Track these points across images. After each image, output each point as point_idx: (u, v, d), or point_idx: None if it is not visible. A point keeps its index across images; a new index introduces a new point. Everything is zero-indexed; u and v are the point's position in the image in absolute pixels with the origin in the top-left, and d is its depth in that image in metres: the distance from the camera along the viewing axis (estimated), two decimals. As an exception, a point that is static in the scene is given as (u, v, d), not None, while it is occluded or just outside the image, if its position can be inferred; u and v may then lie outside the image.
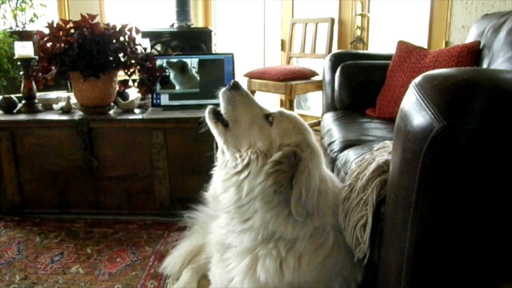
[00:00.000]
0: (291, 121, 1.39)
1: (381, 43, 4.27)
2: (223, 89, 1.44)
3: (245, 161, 1.32)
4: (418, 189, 0.95)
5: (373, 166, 1.31)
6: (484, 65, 2.21)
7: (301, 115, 4.82)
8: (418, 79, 1.00)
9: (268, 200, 1.28)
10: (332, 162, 1.97)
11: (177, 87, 2.55)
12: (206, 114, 1.45)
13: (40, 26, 3.52)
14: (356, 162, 1.51)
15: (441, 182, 0.92)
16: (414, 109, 0.94)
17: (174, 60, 2.56)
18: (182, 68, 2.55)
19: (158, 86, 2.49)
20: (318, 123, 4.14)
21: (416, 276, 1.02)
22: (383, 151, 1.44)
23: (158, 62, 2.50)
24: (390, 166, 1.11)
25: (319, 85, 4.02)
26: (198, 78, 2.55)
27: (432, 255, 0.98)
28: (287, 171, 1.28)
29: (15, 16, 4.01)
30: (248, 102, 1.42)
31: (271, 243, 1.32)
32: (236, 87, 1.43)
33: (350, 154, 1.81)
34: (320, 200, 1.32)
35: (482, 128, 0.86)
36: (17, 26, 4.01)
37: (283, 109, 1.43)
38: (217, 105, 1.46)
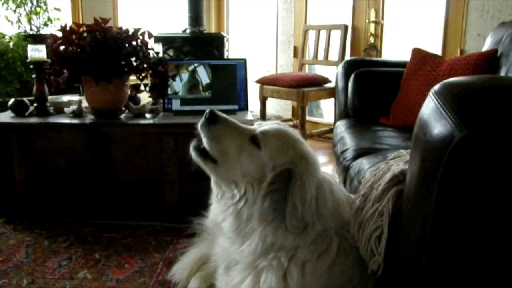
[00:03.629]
0: (278, 139, 1.33)
1: (394, 50, 4.24)
2: (200, 122, 1.38)
3: (242, 191, 1.32)
4: (437, 200, 0.91)
5: (388, 175, 1.27)
6: (502, 74, 2.17)
7: (313, 122, 4.82)
8: (437, 86, 0.97)
9: (266, 218, 1.28)
10: (345, 170, 1.93)
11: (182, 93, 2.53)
12: (192, 153, 1.41)
13: (54, 29, 3.55)
14: (370, 171, 1.48)
15: (462, 194, 0.88)
16: (434, 117, 0.91)
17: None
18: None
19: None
20: (330, 131, 4.11)
21: (434, 291, 0.98)
22: (399, 161, 1.40)
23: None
24: (407, 176, 1.08)
25: (331, 92, 3.99)
26: (210, 84, 2.53)
27: (452, 270, 0.94)
28: (282, 188, 1.27)
29: (29, 20, 4.05)
30: (230, 130, 1.35)
31: (271, 254, 1.30)
32: (213, 119, 1.36)
33: (364, 163, 1.77)
34: (319, 207, 1.30)
35: (505, 138, 0.83)
36: (31, 29, 4.05)
37: (266, 127, 1.38)
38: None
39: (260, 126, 1.40)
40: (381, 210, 1.22)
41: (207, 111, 1.37)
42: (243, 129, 1.38)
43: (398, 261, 1.14)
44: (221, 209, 1.39)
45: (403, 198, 1.14)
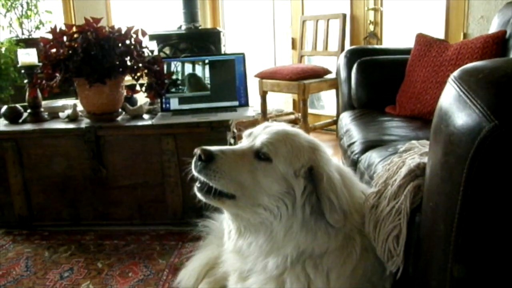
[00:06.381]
0: (282, 142, 1.20)
1: (395, 37, 4.13)
2: (196, 166, 1.18)
3: (274, 211, 1.18)
4: (464, 198, 0.82)
5: (404, 170, 1.18)
6: (512, 56, 2.07)
7: (315, 115, 4.73)
8: (458, 72, 0.88)
9: (308, 225, 1.17)
10: (354, 164, 1.85)
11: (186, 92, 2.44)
12: (202, 198, 1.22)
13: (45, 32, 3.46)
14: (382, 165, 1.39)
15: (493, 190, 0.79)
16: (457, 106, 0.82)
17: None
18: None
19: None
20: (333, 123, 4.03)
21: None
22: (413, 153, 1.32)
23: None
24: (427, 171, 0.99)
25: (332, 84, 3.90)
26: (208, 81, 2.44)
27: (482, 274, 0.86)
28: (313, 189, 1.17)
29: (21, 24, 3.95)
30: (231, 158, 1.18)
31: (298, 266, 1.19)
32: (210, 157, 1.17)
33: (374, 156, 1.69)
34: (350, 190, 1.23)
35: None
36: (23, 34, 3.95)
37: (263, 137, 1.21)
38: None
39: (253, 138, 1.25)
40: (398, 208, 1.14)
41: (197, 152, 1.17)
42: (242, 149, 1.23)
43: (420, 263, 1.06)
44: (249, 241, 1.23)
45: (423, 195, 1.06)
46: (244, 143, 1.28)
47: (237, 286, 1.33)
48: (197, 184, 1.23)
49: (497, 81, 0.78)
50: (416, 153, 1.31)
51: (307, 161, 1.19)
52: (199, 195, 1.23)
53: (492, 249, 0.85)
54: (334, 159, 1.31)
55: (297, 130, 1.27)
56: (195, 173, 1.19)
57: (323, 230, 1.17)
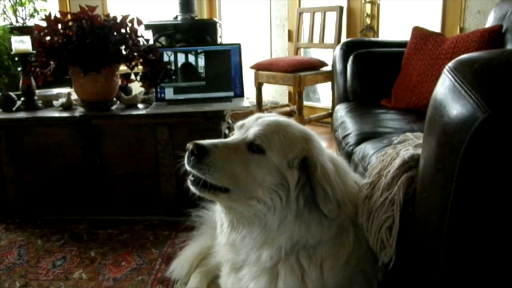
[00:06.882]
0: (275, 133, 1.18)
1: (392, 31, 4.12)
2: (190, 161, 1.16)
3: (268, 203, 1.17)
4: (457, 189, 0.83)
5: (397, 161, 1.18)
6: (508, 50, 2.07)
7: (311, 107, 4.71)
8: (452, 63, 0.88)
9: (302, 217, 1.16)
10: (348, 156, 1.85)
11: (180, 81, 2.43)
12: (196, 191, 1.20)
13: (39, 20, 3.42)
14: (377, 156, 1.39)
15: (486, 181, 0.80)
16: (452, 97, 0.82)
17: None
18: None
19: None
20: (329, 115, 4.03)
21: (456, 285, 0.91)
22: (407, 145, 1.32)
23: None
24: (421, 162, 0.99)
25: (328, 76, 3.90)
26: (204, 71, 2.43)
27: (474, 264, 0.87)
28: (307, 179, 1.16)
29: (15, 12, 3.91)
30: (224, 152, 1.16)
31: (292, 256, 1.19)
32: (203, 152, 1.15)
33: (368, 148, 1.69)
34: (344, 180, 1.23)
35: (533, 117, 0.74)
36: (17, 21, 3.91)
37: (255, 128, 1.19)
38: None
39: (245, 130, 1.24)
40: (392, 198, 1.14)
41: (190, 147, 1.16)
42: (234, 142, 1.21)
43: (412, 254, 1.06)
44: (243, 234, 1.22)
45: (416, 186, 1.06)
46: (236, 135, 1.26)
47: (229, 277, 1.33)
48: (191, 178, 1.21)
49: (492, 72, 0.78)
50: (410, 144, 1.31)
51: (300, 151, 1.18)
52: (192, 189, 1.21)
53: (484, 240, 0.85)
54: (327, 150, 1.31)
55: (289, 120, 1.26)
56: (188, 168, 1.18)
57: (316, 221, 1.17)
